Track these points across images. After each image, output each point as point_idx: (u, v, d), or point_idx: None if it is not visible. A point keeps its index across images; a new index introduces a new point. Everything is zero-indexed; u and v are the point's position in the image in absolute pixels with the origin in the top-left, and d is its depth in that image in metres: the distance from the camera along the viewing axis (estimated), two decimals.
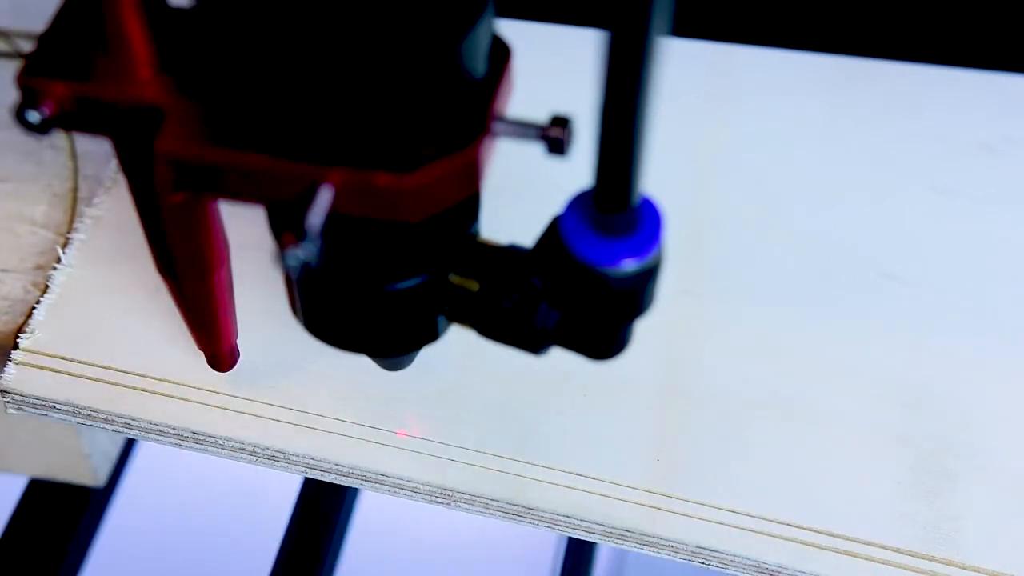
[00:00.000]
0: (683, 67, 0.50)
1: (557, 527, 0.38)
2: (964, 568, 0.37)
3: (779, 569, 0.37)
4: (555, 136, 0.27)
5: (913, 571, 0.37)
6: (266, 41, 0.26)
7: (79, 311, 0.41)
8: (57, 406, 0.39)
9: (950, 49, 0.52)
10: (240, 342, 0.38)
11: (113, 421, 0.39)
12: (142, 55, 0.28)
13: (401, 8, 0.26)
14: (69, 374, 0.39)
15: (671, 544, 0.37)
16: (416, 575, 0.67)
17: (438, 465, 0.38)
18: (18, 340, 0.40)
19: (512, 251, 0.31)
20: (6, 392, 0.39)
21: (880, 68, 0.51)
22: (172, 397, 0.39)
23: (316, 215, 0.26)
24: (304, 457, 0.38)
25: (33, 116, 0.28)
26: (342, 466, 0.38)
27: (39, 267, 0.42)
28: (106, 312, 0.41)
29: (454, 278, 0.31)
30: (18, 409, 0.39)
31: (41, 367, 0.39)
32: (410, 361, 0.36)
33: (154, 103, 0.28)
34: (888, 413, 0.40)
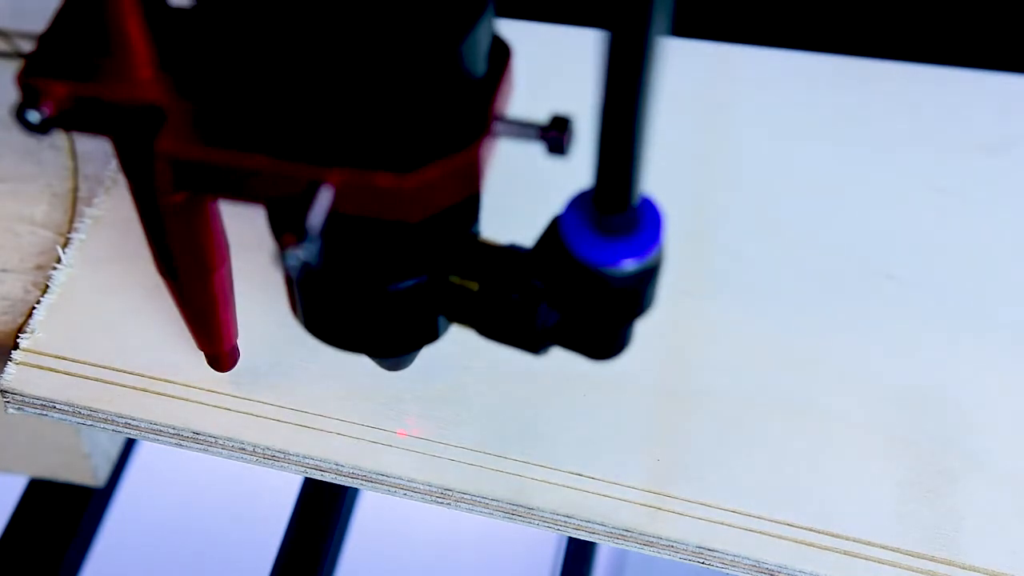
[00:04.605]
0: (683, 67, 0.50)
1: (557, 527, 0.38)
2: (964, 568, 0.37)
3: (779, 569, 0.37)
4: (555, 136, 0.27)
5: (913, 571, 0.37)
6: (266, 41, 0.26)
7: (79, 311, 0.41)
8: (57, 406, 0.39)
9: (950, 49, 0.52)
10: (240, 342, 0.38)
11: (113, 421, 0.39)
12: (142, 55, 0.28)
13: (401, 9, 0.26)
14: (69, 374, 0.39)
15: (671, 544, 0.37)
16: (416, 575, 0.67)
17: (438, 465, 0.38)
18: (18, 340, 0.40)
19: (512, 251, 0.31)
20: (6, 392, 0.39)
21: (880, 68, 0.51)
22: (172, 397, 0.39)
23: (316, 215, 0.26)
24: (304, 457, 0.38)
25: (33, 116, 0.28)
26: (342, 466, 0.38)
27: (39, 267, 0.42)
28: (106, 312, 0.41)
29: (454, 278, 0.31)
30: (18, 409, 0.39)
31: (41, 367, 0.39)
32: (410, 361, 0.36)
33: (154, 103, 0.28)
34: (888, 413, 0.40)
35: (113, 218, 0.43)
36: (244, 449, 0.38)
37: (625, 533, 0.37)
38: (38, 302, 0.41)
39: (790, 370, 0.41)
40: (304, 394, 0.39)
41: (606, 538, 0.37)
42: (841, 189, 0.47)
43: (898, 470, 0.39)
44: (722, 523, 0.37)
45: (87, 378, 0.39)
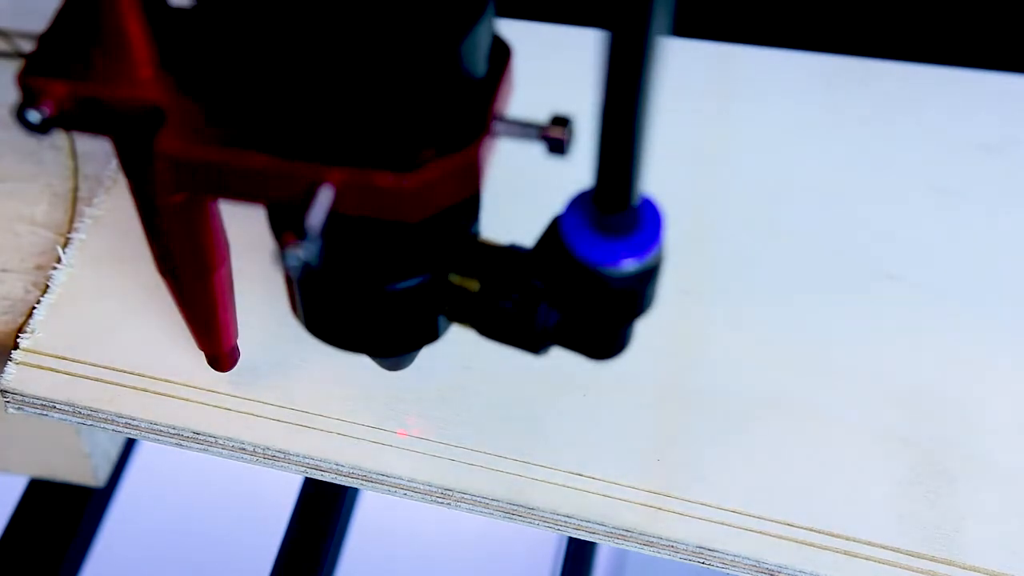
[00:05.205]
0: (683, 67, 0.50)
1: (557, 527, 0.38)
2: (964, 568, 0.37)
3: (779, 569, 0.37)
4: (555, 136, 0.27)
5: (913, 571, 0.37)
6: (267, 41, 0.26)
7: (79, 311, 0.41)
8: (57, 406, 0.39)
9: (950, 49, 0.52)
10: (240, 342, 0.38)
11: (113, 421, 0.39)
12: (142, 55, 0.28)
13: (402, 8, 0.26)
14: (69, 374, 0.39)
15: (671, 544, 0.37)
16: (416, 575, 0.67)
17: (438, 465, 0.38)
18: (18, 340, 0.40)
19: (512, 251, 0.31)
20: (6, 392, 0.39)
21: (880, 68, 0.51)
22: (172, 397, 0.39)
23: (316, 215, 0.26)
24: (304, 457, 0.38)
25: (33, 116, 0.28)
26: (342, 466, 0.38)
27: (39, 267, 0.42)
28: (106, 312, 0.41)
29: (454, 278, 0.31)
30: (18, 409, 0.39)
31: (41, 367, 0.39)
32: (410, 361, 0.36)
33: (154, 103, 0.28)
34: (888, 413, 0.40)
35: (113, 218, 0.43)
36: (244, 449, 0.38)
37: (625, 533, 0.37)
38: (38, 302, 0.41)
39: (790, 370, 0.41)
40: (304, 394, 0.39)
41: (606, 538, 0.37)
42: (841, 189, 0.47)
43: (898, 470, 0.39)
44: (722, 523, 0.37)
45: (87, 378, 0.39)
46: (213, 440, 0.38)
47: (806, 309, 0.43)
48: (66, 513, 0.46)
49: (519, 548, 0.67)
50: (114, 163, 0.45)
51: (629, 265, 0.28)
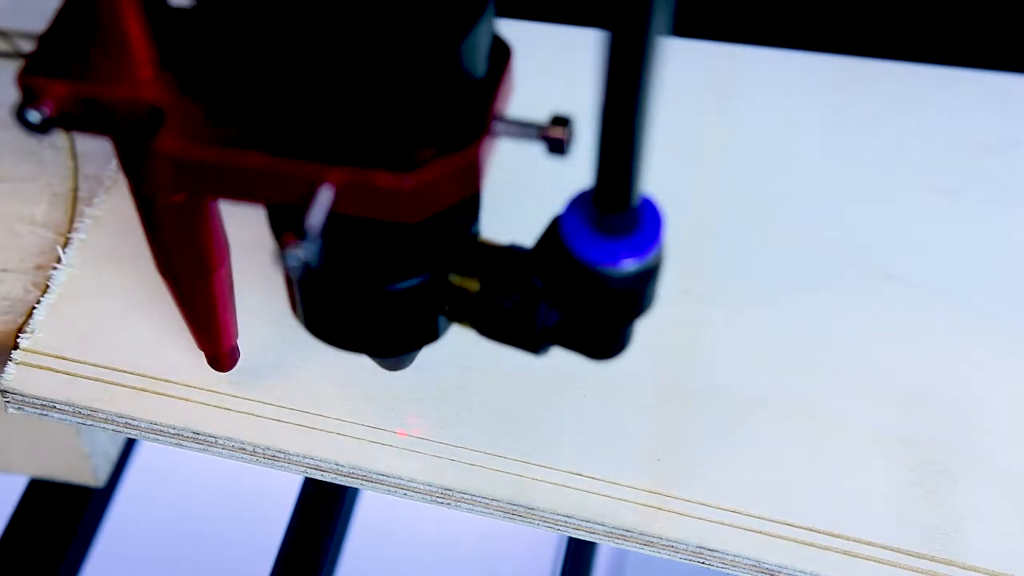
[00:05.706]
0: (684, 67, 0.50)
1: (557, 527, 0.38)
2: (964, 568, 0.37)
3: (779, 569, 0.37)
4: (555, 136, 0.27)
5: (913, 571, 0.37)
6: (267, 41, 0.26)
7: (79, 311, 0.41)
8: (57, 406, 0.39)
9: (950, 49, 0.52)
10: (240, 342, 0.38)
11: (113, 421, 0.39)
12: (142, 55, 0.28)
13: (401, 8, 0.26)
14: (69, 374, 0.39)
15: (671, 544, 0.37)
16: (416, 575, 0.67)
17: (438, 465, 0.38)
18: (18, 340, 0.40)
19: (512, 251, 0.31)
20: (6, 392, 0.39)
21: (880, 68, 0.51)
22: (172, 397, 0.39)
23: (316, 215, 0.26)
24: (304, 457, 0.38)
25: (33, 116, 0.28)
26: (342, 466, 0.38)
27: (39, 267, 0.42)
28: (106, 312, 0.41)
29: (454, 278, 0.31)
30: (18, 409, 0.39)
31: (41, 367, 0.39)
32: (410, 361, 0.36)
33: (154, 103, 0.28)
34: (888, 413, 0.40)
35: (113, 218, 0.43)
36: (244, 449, 0.38)
37: (625, 533, 0.37)
38: (38, 302, 0.41)
39: (790, 370, 0.41)
40: (304, 394, 0.39)
41: (606, 538, 0.37)
42: (841, 189, 0.47)
43: (898, 470, 0.39)
44: (722, 523, 0.37)
45: (87, 378, 0.39)
46: (213, 440, 0.38)
47: (806, 309, 0.43)
48: (66, 513, 0.46)
49: (519, 548, 0.67)
50: (114, 163, 0.45)
51: (629, 265, 0.28)
